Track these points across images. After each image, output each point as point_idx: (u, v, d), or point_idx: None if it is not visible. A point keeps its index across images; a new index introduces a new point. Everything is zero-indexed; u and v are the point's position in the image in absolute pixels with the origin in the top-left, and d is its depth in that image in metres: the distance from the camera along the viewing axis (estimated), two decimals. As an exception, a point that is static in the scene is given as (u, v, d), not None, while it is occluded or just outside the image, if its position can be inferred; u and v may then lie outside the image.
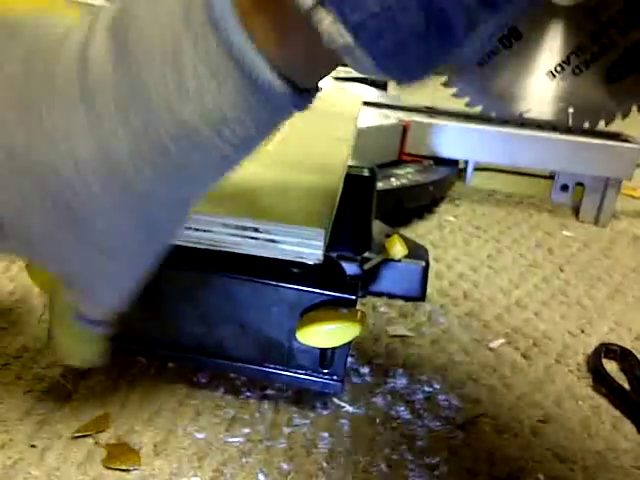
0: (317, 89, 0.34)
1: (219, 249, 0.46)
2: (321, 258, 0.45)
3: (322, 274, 0.48)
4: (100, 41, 0.31)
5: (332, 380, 0.50)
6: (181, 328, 0.50)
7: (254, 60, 0.30)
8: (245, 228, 0.45)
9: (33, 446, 0.46)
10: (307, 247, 0.45)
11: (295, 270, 0.48)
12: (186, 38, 0.30)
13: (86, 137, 0.32)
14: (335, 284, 0.48)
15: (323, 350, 0.49)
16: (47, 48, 0.33)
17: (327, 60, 0.32)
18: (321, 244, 0.45)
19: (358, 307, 0.49)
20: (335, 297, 0.48)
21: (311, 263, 0.46)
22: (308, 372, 0.50)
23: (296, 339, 0.48)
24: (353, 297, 0.48)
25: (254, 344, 0.50)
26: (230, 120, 0.31)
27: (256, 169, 0.54)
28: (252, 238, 0.45)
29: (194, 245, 0.46)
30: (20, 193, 0.33)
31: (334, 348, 0.49)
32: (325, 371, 0.50)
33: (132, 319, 0.50)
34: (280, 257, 0.46)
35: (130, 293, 0.39)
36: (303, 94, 0.32)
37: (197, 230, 0.45)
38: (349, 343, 0.49)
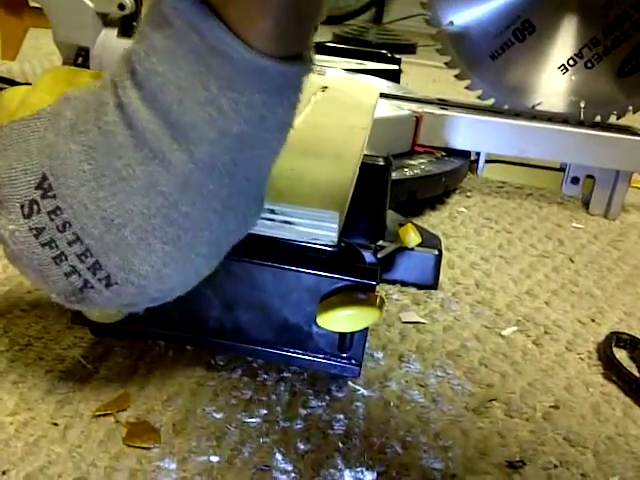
0: (309, 51, 0.41)
1: None
2: (335, 240, 0.46)
3: (342, 260, 0.49)
4: (132, 96, 0.39)
5: (350, 364, 0.51)
6: (201, 312, 0.51)
7: (260, 63, 0.37)
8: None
9: (55, 424, 0.47)
10: (322, 229, 0.46)
11: (316, 256, 0.49)
12: (206, 72, 0.37)
13: (163, 174, 0.39)
14: (355, 269, 0.49)
15: (342, 335, 0.50)
16: (88, 116, 0.41)
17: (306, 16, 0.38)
18: (335, 226, 0.46)
19: (376, 293, 0.50)
20: (355, 282, 0.49)
21: (327, 245, 0.47)
22: (327, 356, 0.51)
23: (316, 324, 0.49)
24: (373, 282, 0.48)
25: (274, 328, 0.51)
26: (266, 114, 0.38)
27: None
28: (268, 220, 0.46)
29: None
30: (132, 247, 0.41)
31: (353, 333, 0.50)
32: (344, 355, 0.51)
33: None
34: (295, 239, 0.47)
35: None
36: (300, 61, 0.39)
37: None
38: (367, 328, 0.50)
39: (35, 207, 0.40)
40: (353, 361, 0.51)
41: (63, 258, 0.41)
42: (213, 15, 0.36)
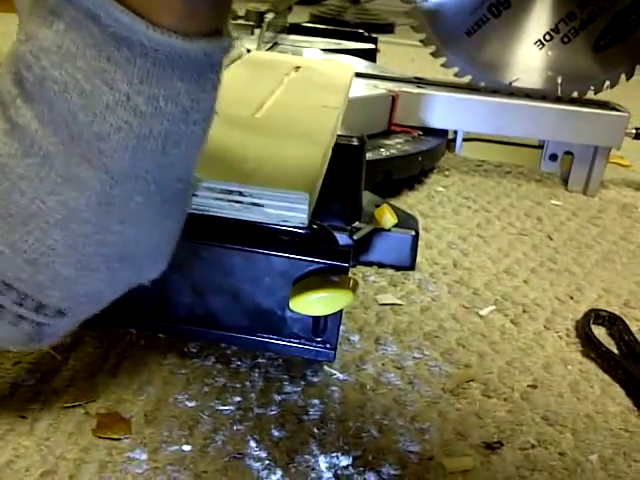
0: (227, 24, 0.35)
1: (205, 213, 0.46)
2: (306, 222, 0.45)
3: (314, 242, 0.48)
4: (26, 115, 0.33)
5: (325, 348, 0.50)
6: (172, 299, 0.50)
7: (178, 45, 0.32)
8: (230, 192, 0.45)
9: (23, 417, 0.46)
10: (291, 211, 0.45)
11: (287, 239, 0.48)
12: (111, 67, 0.31)
13: (80, 200, 0.34)
14: (327, 252, 0.48)
15: (316, 318, 0.49)
16: None
17: None
18: (305, 207, 0.45)
19: (350, 275, 0.49)
20: (327, 264, 0.48)
21: (297, 227, 0.46)
22: (301, 341, 0.50)
23: (289, 308, 0.48)
24: (346, 264, 0.48)
25: (246, 314, 0.50)
26: (190, 105, 0.33)
27: (242, 135, 0.53)
28: (237, 202, 0.45)
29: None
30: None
31: (327, 316, 0.49)
32: (318, 339, 0.50)
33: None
34: (265, 221, 0.46)
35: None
36: (219, 36, 0.34)
37: None
38: (341, 311, 0.49)
39: None
40: (327, 345, 0.50)
41: (1, 309, 0.37)
42: None
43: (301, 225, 0.46)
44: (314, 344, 0.50)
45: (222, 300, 0.50)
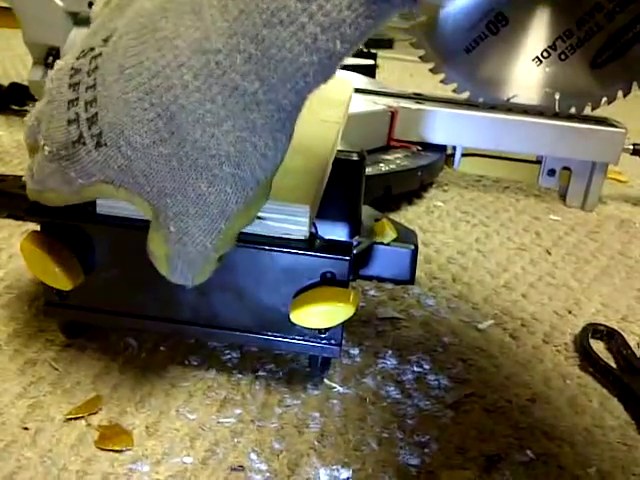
0: None
1: None
2: (307, 234, 0.46)
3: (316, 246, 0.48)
4: None
5: (330, 344, 0.50)
6: (176, 299, 0.50)
7: None
8: None
9: (26, 429, 0.46)
10: (293, 223, 0.46)
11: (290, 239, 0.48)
12: None
13: (186, 34, 0.35)
14: (329, 247, 0.48)
15: None
16: None
17: None
18: (306, 220, 0.45)
19: (350, 289, 0.49)
20: (330, 258, 0.47)
21: (299, 240, 0.46)
22: (305, 337, 0.50)
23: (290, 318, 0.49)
24: (347, 258, 0.48)
25: (251, 312, 0.50)
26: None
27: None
28: None
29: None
30: (128, 105, 0.37)
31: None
32: (323, 336, 0.50)
33: (126, 292, 0.51)
34: (267, 234, 0.46)
35: (221, 239, 0.40)
36: None
37: None
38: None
39: (88, 51, 0.40)
40: (332, 341, 0.50)
41: (75, 103, 0.39)
42: None
43: (303, 238, 0.46)
44: (319, 341, 0.51)
45: (227, 299, 0.50)
